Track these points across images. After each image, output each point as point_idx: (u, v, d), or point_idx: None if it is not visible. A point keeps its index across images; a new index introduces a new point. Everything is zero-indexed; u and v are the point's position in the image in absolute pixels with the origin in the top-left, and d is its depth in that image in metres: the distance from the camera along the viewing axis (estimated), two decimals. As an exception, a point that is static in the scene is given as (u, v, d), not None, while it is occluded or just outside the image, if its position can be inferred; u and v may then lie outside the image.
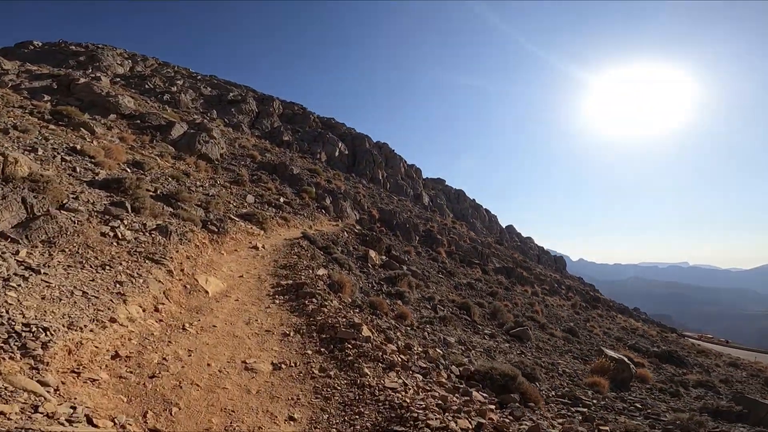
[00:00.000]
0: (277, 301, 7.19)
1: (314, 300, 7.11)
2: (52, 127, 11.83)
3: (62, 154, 9.35)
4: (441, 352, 6.46)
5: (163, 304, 5.79)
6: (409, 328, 7.63)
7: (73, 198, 7.37)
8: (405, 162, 58.07)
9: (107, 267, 5.75)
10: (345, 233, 17.03)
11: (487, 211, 73.05)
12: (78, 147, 10.12)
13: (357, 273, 10.83)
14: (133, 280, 5.72)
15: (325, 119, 55.64)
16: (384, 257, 15.08)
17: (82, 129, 14.00)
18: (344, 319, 6.28)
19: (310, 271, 9.17)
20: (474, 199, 71.94)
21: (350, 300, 8.20)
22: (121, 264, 6.04)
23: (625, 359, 10.21)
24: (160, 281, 6.13)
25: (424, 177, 63.55)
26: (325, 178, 29.38)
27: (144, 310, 5.27)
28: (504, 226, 73.96)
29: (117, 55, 42.77)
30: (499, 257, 37.97)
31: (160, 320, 5.36)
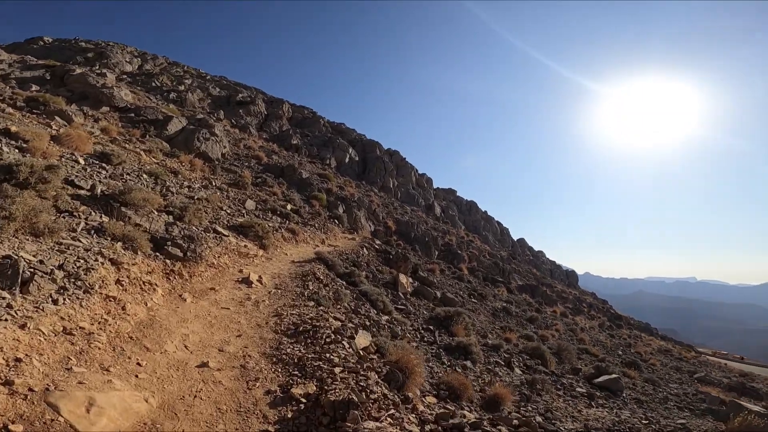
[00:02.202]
0: None
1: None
2: (9, 110, 9.54)
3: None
4: None
5: None
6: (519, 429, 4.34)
7: None
8: (416, 171, 55.66)
9: None
10: (364, 249, 14.47)
11: (498, 223, 70.27)
12: (13, 129, 7.72)
13: (396, 316, 8.09)
14: None
15: (335, 124, 53.45)
16: (412, 280, 12.58)
17: (56, 117, 11.76)
18: None
19: (344, 344, 5.19)
20: (486, 211, 69.28)
21: (421, 402, 4.62)
22: None
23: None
24: None
25: (435, 187, 61.02)
26: (337, 184, 26.99)
27: None
28: (515, 239, 71.13)
29: (127, 53, 41.03)
30: (520, 274, 35.35)
31: None
